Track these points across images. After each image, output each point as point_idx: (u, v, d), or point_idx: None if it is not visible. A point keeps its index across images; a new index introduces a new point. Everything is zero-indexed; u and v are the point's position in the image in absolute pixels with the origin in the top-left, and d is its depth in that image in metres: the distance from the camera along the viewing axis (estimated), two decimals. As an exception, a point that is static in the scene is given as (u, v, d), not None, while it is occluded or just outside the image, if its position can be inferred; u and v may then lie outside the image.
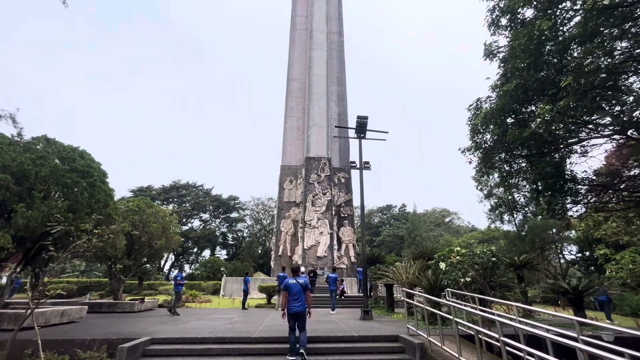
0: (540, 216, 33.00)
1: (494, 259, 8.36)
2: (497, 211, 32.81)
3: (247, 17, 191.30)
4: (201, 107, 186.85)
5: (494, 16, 9.86)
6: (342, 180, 37.85)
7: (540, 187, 11.21)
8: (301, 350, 7.03)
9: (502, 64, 9.39)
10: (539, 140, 8.82)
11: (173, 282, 13.94)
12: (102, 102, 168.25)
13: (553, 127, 9.00)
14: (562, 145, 10.33)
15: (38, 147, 10.68)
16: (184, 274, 13.94)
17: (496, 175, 12.66)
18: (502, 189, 13.63)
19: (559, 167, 10.42)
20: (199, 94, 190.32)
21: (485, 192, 32.68)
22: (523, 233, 29.36)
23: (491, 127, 9.58)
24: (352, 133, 15.80)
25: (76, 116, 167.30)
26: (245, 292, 17.29)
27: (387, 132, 14.16)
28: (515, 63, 8.37)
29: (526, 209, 13.86)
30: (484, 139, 10.40)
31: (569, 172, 11.01)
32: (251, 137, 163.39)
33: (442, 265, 8.79)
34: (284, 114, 40.88)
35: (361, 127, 13.69)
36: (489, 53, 9.41)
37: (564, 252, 32.01)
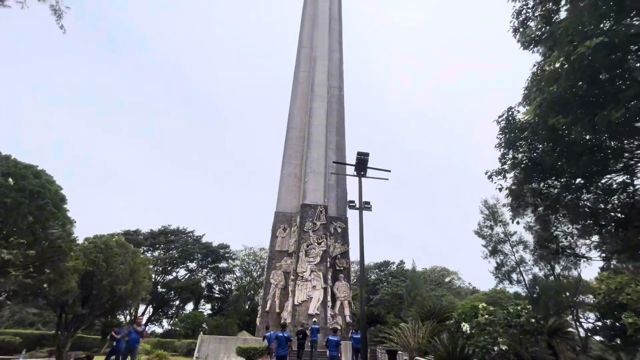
0: (549, 277, 30.66)
1: (532, 320, 6.56)
2: (503, 269, 30.53)
3: (247, 66, 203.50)
4: (196, 152, 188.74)
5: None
6: (339, 230, 35.99)
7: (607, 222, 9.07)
8: None
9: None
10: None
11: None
12: (95, 142, 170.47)
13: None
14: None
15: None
16: (144, 328, 11.55)
17: (530, 210, 11.00)
18: (540, 224, 11.81)
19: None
20: (195, 140, 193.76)
21: (490, 248, 30.74)
22: (535, 295, 26.80)
23: (541, 130, 7.84)
24: (350, 170, 14.61)
25: (68, 155, 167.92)
26: (116, 352, 12.08)
27: (389, 171, 13.05)
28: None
29: (575, 251, 11.70)
30: (521, 156, 8.99)
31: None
32: (246, 184, 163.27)
33: (466, 327, 6.93)
34: (281, 161, 40.57)
35: (361, 164, 12.62)
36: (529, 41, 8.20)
37: (581, 320, 29.03)
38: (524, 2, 8.37)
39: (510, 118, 8.93)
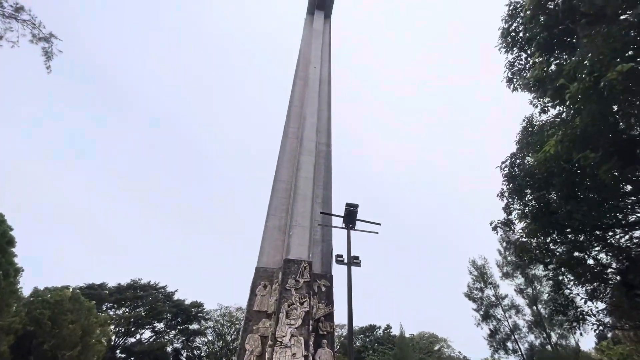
0: (545, 346, 28.77)
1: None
2: (497, 337, 28.66)
3: (232, 117, 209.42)
4: (175, 201, 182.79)
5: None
6: (323, 288, 33.65)
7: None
8: None
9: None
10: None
11: None
12: (64, 184, 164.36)
13: None
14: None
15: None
16: None
17: (541, 268, 10.29)
18: (551, 285, 10.88)
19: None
20: (174, 189, 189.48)
21: (482, 312, 29.20)
22: (533, 368, 24.78)
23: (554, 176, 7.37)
24: (338, 223, 14.04)
25: (29, 196, 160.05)
26: None
27: (379, 224, 12.55)
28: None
29: (597, 317, 10.41)
30: (531, 205, 8.52)
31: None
32: (228, 237, 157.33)
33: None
34: (266, 213, 39.54)
35: (350, 216, 12.09)
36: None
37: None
38: (516, 55, 8.88)
39: (513, 164, 8.79)
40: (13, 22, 11.31)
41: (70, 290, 12.16)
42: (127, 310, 49.35)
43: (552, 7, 8.23)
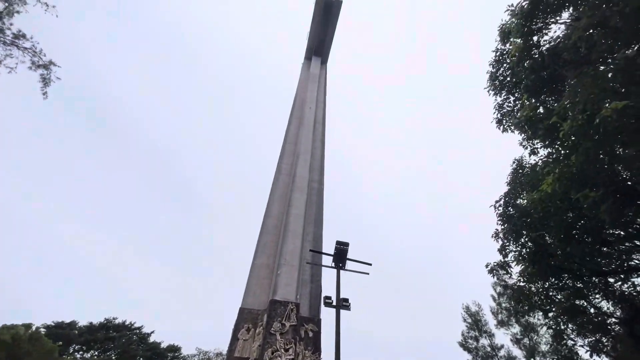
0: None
1: None
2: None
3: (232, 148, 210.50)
4: (157, 236, 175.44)
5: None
6: (310, 334, 31.64)
7: None
8: None
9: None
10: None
11: None
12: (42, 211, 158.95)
13: None
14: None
15: None
16: None
17: (539, 315, 9.75)
18: (552, 335, 10.20)
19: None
20: (156, 223, 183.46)
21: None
22: None
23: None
24: (327, 262, 13.55)
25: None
26: None
27: (370, 264, 12.13)
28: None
29: None
30: (529, 246, 8.11)
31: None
32: (214, 276, 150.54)
33: None
34: (254, 250, 38.25)
35: (340, 255, 11.68)
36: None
37: None
38: (505, 97, 9.22)
39: (508, 204, 8.70)
40: (14, 49, 11.41)
41: (33, 328, 10.98)
42: (96, 353, 45.32)
43: (536, 54, 8.81)
